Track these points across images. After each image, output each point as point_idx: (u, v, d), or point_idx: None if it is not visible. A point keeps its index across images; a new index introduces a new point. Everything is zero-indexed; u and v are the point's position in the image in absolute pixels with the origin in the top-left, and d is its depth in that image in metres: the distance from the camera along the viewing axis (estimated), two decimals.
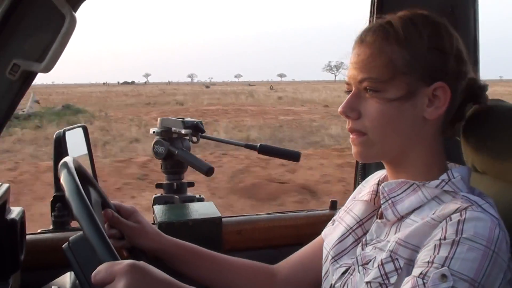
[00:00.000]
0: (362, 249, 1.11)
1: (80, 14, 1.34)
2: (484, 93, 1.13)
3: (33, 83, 1.34)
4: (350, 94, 1.08)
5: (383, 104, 1.03)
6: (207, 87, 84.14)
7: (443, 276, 0.89)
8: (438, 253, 0.92)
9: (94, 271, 0.89)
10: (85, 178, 1.15)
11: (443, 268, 0.89)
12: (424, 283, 0.90)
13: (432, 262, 0.91)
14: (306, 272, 1.33)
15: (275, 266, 1.38)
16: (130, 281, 0.87)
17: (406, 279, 0.94)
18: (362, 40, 1.08)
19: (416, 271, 0.93)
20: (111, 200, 1.29)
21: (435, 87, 1.04)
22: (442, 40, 1.05)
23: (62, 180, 1.00)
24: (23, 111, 20.48)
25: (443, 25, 1.07)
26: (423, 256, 0.94)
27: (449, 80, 1.04)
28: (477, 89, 1.12)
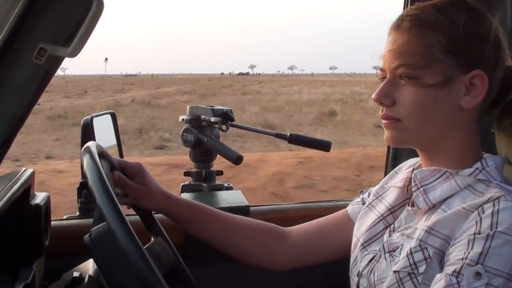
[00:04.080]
0: (389, 235, 1.09)
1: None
2: None
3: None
4: (385, 80, 1.06)
5: (418, 91, 1.01)
6: None
7: (477, 274, 0.86)
8: (472, 249, 0.89)
9: None
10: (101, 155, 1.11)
11: (477, 265, 0.87)
12: (458, 282, 0.87)
13: (466, 259, 0.88)
14: (321, 243, 1.31)
15: (288, 229, 1.36)
16: None
17: (438, 276, 0.91)
18: (398, 26, 1.05)
19: (449, 268, 0.90)
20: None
21: (473, 75, 1.00)
22: (480, 26, 1.02)
23: (85, 167, 0.98)
24: None
25: (481, 10, 1.04)
26: (457, 252, 0.91)
27: (487, 68, 1.01)
28: None
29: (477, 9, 1.04)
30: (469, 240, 0.90)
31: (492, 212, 0.90)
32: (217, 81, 69.29)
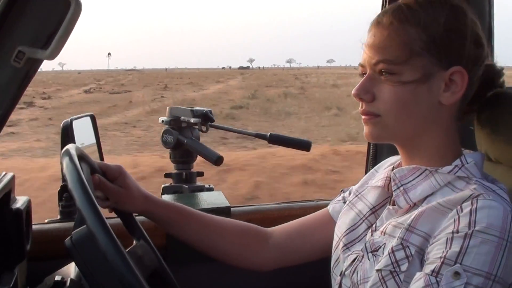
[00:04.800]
0: (371, 235, 1.09)
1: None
2: (501, 79, 1.11)
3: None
4: (365, 76, 1.06)
5: (398, 87, 1.01)
6: None
7: (456, 274, 0.86)
8: (450, 248, 0.89)
9: None
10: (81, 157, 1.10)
11: (456, 265, 0.87)
12: (437, 282, 0.87)
13: (444, 258, 0.89)
14: (303, 243, 1.32)
15: (269, 230, 1.36)
16: None
17: (418, 275, 0.92)
18: (378, 22, 1.05)
19: (428, 267, 0.91)
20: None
21: (452, 71, 1.01)
22: (460, 23, 1.03)
23: (64, 169, 0.97)
24: None
25: (461, 8, 1.05)
26: (435, 251, 0.92)
27: (466, 64, 1.02)
28: (493, 75, 1.09)
29: (458, 6, 1.04)
30: (447, 239, 0.91)
31: (470, 211, 0.91)
32: (250, 74, 68.90)
